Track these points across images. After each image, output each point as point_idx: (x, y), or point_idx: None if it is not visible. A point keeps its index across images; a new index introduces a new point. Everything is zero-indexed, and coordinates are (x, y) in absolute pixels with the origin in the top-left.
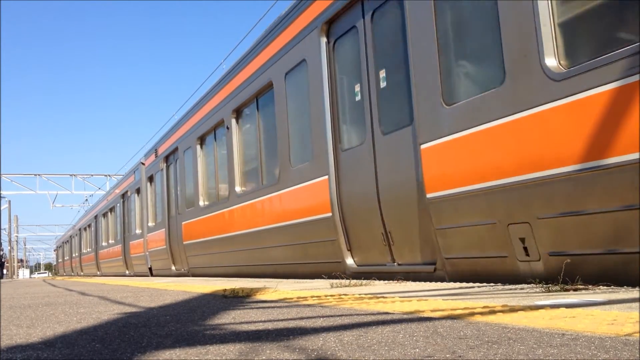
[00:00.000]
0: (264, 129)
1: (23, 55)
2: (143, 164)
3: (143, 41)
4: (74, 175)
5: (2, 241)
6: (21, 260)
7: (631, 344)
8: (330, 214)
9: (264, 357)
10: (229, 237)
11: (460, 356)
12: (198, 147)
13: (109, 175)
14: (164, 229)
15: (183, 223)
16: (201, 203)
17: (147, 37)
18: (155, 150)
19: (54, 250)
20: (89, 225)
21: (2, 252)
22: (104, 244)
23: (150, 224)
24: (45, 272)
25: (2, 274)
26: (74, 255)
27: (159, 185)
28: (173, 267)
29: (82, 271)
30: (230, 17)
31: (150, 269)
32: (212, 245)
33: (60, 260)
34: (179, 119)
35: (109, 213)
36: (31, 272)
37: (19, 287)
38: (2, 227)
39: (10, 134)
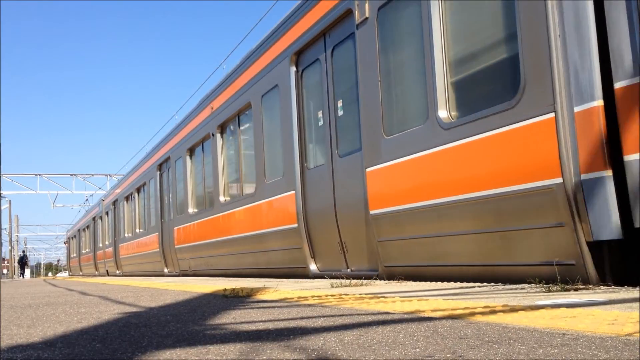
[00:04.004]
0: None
1: (23, 55)
2: None
3: (143, 41)
4: (74, 175)
5: (2, 241)
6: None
7: (632, 344)
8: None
9: (264, 357)
10: None
11: (460, 356)
12: None
13: (109, 175)
14: None
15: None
16: None
17: (148, 37)
18: None
19: (65, 243)
20: (139, 189)
21: (23, 254)
22: (191, 210)
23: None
24: (65, 272)
25: (23, 274)
26: (100, 245)
27: None
28: None
29: (119, 269)
30: (230, 17)
31: None
32: None
33: (73, 255)
34: None
35: (203, 145)
36: (32, 273)
37: (19, 287)
38: (2, 227)
39: (11, 134)
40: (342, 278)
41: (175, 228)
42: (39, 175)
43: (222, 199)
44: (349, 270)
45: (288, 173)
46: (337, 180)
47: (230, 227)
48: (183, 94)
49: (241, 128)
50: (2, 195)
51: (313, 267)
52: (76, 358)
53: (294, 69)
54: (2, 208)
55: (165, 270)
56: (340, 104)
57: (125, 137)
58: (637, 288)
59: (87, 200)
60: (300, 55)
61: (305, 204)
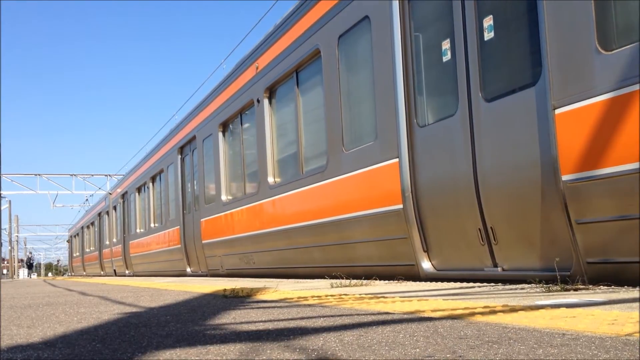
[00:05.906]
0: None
1: (23, 55)
2: None
3: (143, 41)
4: (74, 175)
5: (2, 241)
6: (22, 260)
7: (631, 344)
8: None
9: (264, 357)
10: None
11: (460, 356)
12: None
13: (109, 175)
14: None
15: None
16: None
17: (147, 37)
18: None
19: (67, 241)
20: (155, 178)
21: (30, 255)
22: (225, 198)
23: None
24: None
25: (30, 274)
26: (107, 243)
27: None
28: None
29: (128, 268)
30: (230, 17)
31: None
32: None
33: (76, 254)
34: None
35: (242, 117)
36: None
37: (19, 287)
38: (2, 227)
39: (11, 134)
40: (483, 281)
41: (202, 220)
42: (39, 175)
43: (270, 180)
44: (498, 269)
45: (385, 135)
46: (482, 136)
47: (284, 214)
48: (183, 93)
49: (300, 86)
50: (2, 195)
51: (426, 264)
52: (76, 358)
53: None
54: (2, 208)
55: (188, 269)
56: (489, 22)
57: (125, 137)
58: (637, 288)
59: (87, 200)
60: None
61: (415, 176)
